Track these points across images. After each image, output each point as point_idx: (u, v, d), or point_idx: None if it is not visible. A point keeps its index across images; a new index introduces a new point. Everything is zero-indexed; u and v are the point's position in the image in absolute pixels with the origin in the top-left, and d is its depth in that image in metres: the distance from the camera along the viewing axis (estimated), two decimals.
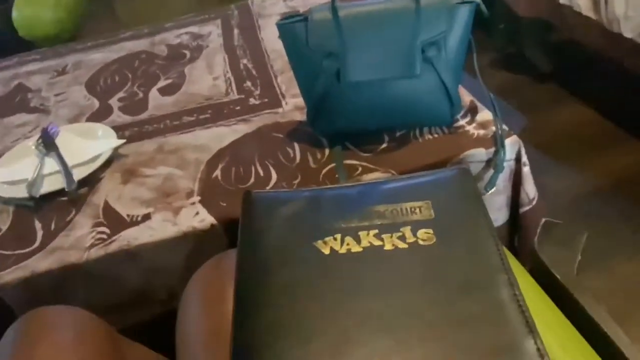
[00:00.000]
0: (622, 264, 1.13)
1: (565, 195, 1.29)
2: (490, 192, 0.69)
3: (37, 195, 0.68)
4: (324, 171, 0.69)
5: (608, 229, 1.19)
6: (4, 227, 0.67)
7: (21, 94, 1.00)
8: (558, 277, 0.47)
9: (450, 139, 0.71)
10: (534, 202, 0.72)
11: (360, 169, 0.68)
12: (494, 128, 0.70)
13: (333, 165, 0.69)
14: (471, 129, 0.72)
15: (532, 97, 1.62)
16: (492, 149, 0.69)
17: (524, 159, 0.70)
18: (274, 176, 0.69)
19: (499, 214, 0.75)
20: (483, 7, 0.67)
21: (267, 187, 0.68)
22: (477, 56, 0.71)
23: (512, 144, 0.69)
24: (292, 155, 0.72)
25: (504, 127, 0.70)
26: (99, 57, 1.09)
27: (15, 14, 1.47)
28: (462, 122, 0.73)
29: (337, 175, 0.67)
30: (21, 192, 0.69)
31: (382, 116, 0.70)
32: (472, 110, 0.74)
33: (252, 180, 0.69)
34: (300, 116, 0.78)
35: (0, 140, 0.87)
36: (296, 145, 0.73)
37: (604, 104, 1.53)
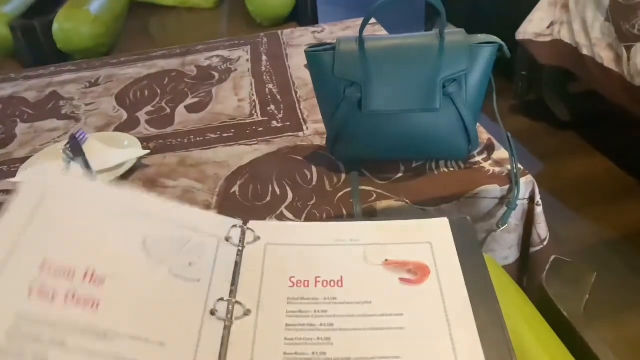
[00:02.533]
0: (630, 317, 1.12)
1: (574, 244, 1.28)
2: (502, 229, 0.70)
3: None
4: (339, 195, 0.70)
5: (617, 281, 1.18)
6: None
7: (54, 101, 1.05)
8: (565, 313, 0.47)
9: (466, 174, 0.72)
10: (545, 243, 0.73)
11: (374, 195, 0.69)
12: (509, 167, 0.72)
13: (348, 190, 0.71)
14: (487, 165, 0.73)
15: (549, 145, 1.64)
16: (507, 186, 0.70)
17: (538, 198, 0.71)
18: (290, 196, 0.71)
19: (509, 253, 0.75)
20: (506, 49, 0.70)
21: (282, 207, 0.69)
22: (497, 101, 0.73)
23: (526, 183, 0.70)
24: (309, 177, 0.74)
25: (519, 166, 0.71)
26: (131, 72, 1.13)
27: (55, 27, 1.53)
28: (478, 158, 0.74)
29: (351, 200, 0.69)
30: None
31: (400, 147, 0.72)
32: (489, 148, 0.76)
33: (269, 198, 0.71)
34: (320, 141, 0.81)
35: (30, 143, 0.90)
36: (314, 168, 0.75)
37: (620, 156, 1.54)
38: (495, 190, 0.70)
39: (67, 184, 0.52)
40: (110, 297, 0.42)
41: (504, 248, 0.75)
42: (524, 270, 0.75)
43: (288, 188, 0.72)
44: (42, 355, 0.37)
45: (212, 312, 0.47)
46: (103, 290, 0.42)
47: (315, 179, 0.73)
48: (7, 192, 0.75)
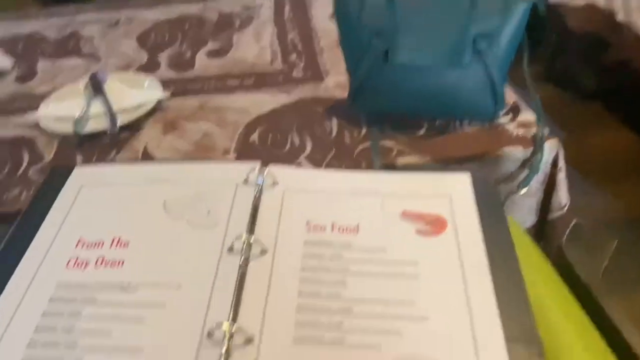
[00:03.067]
0: None
1: (592, 218, 1.26)
2: (522, 192, 0.69)
3: (82, 133, 0.71)
4: (358, 149, 0.69)
5: (633, 258, 1.17)
6: (48, 158, 0.70)
7: (74, 40, 1.03)
8: (582, 278, 0.47)
9: (489, 134, 0.70)
10: (565, 209, 0.72)
11: (395, 151, 0.68)
12: (534, 130, 0.70)
13: (368, 144, 0.70)
14: (511, 127, 0.71)
15: (573, 114, 1.60)
16: (530, 149, 0.68)
17: (561, 164, 0.70)
18: (309, 146, 0.70)
19: (527, 217, 0.74)
20: (541, 5, 0.67)
21: (302, 157, 0.69)
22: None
23: (551, 147, 0.69)
24: (328, 129, 0.73)
25: (546, 128, 0.69)
26: (152, 15, 1.11)
27: None
28: (503, 119, 0.72)
29: (371, 155, 0.68)
30: (67, 128, 0.72)
31: (424, 103, 0.70)
32: (515, 110, 0.74)
33: (287, 147, 0.70)
34: (341, 93, 0.79)
35: (51, 80, 0.90)
36: (334, 120, 0.74)
37: None
38: (518, 152, 0.68)
39: (96, 173, 0.58)
40: (133, 255, 0.48)
41: (522, 212, 0.74)
42: (541, 235, 0.74)
43: (307, 139, 0.71)
44: (76, 312, 0.43)
45: (230, 250, 0.47)
46: (127, 251, 0.48)
47: (335, 132, 0.72)
48: (31, 127, 0.75)
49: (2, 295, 0.45)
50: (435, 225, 0.49)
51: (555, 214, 0.73)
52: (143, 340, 0.41)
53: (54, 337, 0.41)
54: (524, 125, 0.71)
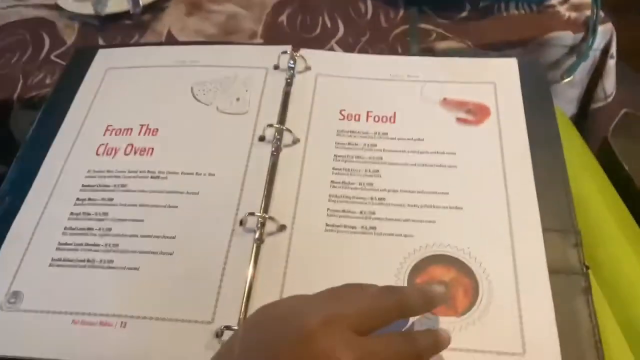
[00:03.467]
0: None
1: (633, 106, 1.20)
2: (566, 80, 0.65)
3: (103, 14, 0.68)
4: (395, 32, 0.65)
5: None
6: (69, 41, 0.67)
7: None
8: (627, 168, 0.45)
9: (537, 18, 0.65)
10: (610, 99, 0.68)
11: (434, 35, 0.64)
12: (587, 12, 0.64)
13: (406, 27, 0.65)
14: (562, 9, 0.65)
15: None
16: (581, 34, 0.63)
17: (613, 50, 0.65)
18: (341, 29, 0.66)
19: (567, 107, 0.71)
20: None
21: (333, 41, 0.65)
22: None
23: (604, 32, 0.63)
24: (363, 10, 0.68)
25: (601, 12, 0.63)
26: None
27: None
28: (554, 1, 0.66)
29: (408, 38, 0.64)
30: (87, 9, 0.68)
31: None
32: None
33: (318, 30, 0.66)
34: None
35: None
36: (369, 2, 0.69)
37: None
38: (567, 37, 0.63)
39: (121, 54, 0.55)
40: (163, 143, 0.47)
41: (563, 102, 0.70)
42: (582, 126, 0.71)
43: (340, 21, 0.67)
44: (109, 199, 0.44)
45: (261, 139, 0.46)
46: (157, 138, 0.47)
47: (369, 13, 0.67)
48: (47, 6, 0.72)
49: (34, 183, 0.45)
50: (477, 113, 0.46)
51: (598, 104, 0.69)
52: (176, 228, 0.41)
53: (88, 224, 0.42)
54: (577, 7, 0.65)
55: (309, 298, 0.30)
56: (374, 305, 0.30)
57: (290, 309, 0.29)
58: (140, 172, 0.45)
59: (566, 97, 0.70)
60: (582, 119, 0.70)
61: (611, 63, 0.65)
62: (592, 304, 0.34)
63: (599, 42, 0.64)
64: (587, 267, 0.35)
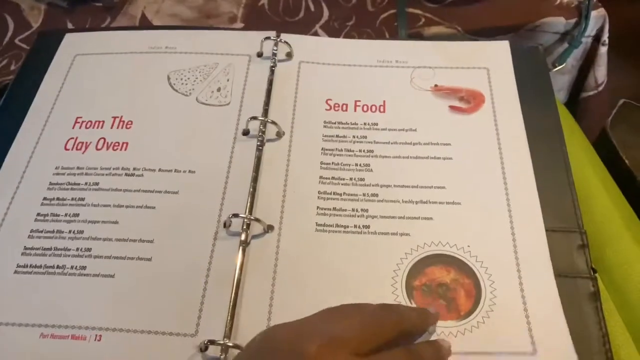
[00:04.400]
0: None
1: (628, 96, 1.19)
2: (558, 68, 0.63)
3: None
4: (382, 17, 0.62)
5: None
6: (35, 25, 0.63)
7: None
8: (626, 161, 0.43)
9: (529, 3, 0.62)
10: (601, 88, 0.66)
11: (422, 20, 0.61)
12: None
13: (393, 11, 0.62)
14: None
15: None
16: (573, 20, 0.61)
17: (605, 37, 0.63)
18: (326, 13, 0.63)
19: (558, 95, 0.69)
20: None
21: (317, 25, 0.62)
22: None
23: (597, 18, 0.61)
24: None
25: None
26: None
27: None
28: None
29: (396, 24, 0.61)
30: None
31: None
32: None
33: (302, 14, 0.63)
34: None
35: None
36: None
37: None
38: (559, 23, 0.61)
39: (91, 39, 0.51)
40: (138, 137, 0.43)
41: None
42: (573, 116, 0.70)
43: (324, 4, 0.64)
44: (79, 198, 0.40)
45: (245, 133, 0.43)
46: (131, 132, 0.44)
47: None
48: None
49: None
50: (471, 101, 0.44)
51: (589, 92, 0.67)
52: (154, 231, 0.38)
53: (57, 226, 0.39)
54: None
55: (306, 322, 0.28)
56: (373, 325, 0.28)
57: (289, 335, 0.27)
58: (114, 169, 0.41)
59: (556, 85, 0.67)
60: (573, 107, 0.69)
61: (603, 50, 0.64)
62: (601, 311, 0.32)
63: (591, 29, 0.62)
64: (595, 271, 0.33)
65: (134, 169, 0.41)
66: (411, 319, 0.30)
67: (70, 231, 0.38)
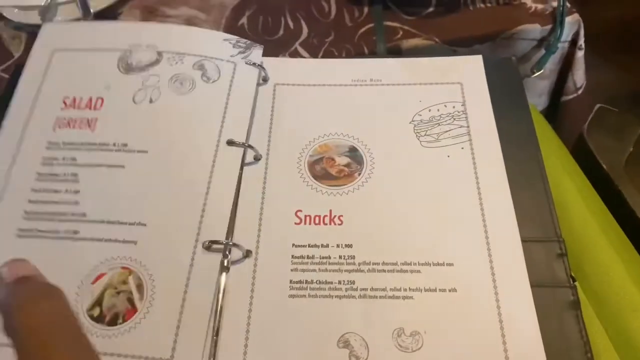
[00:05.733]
0: None
1: (607, 99, 1.21)
2: (536, 74, 0.64)
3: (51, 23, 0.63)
4: (360, 31, 0.63)
5: None
6: (17, 54, 0.63)
7: None
8: (604, 166, 0.44)
9: (504, 11, 0.63)
10: (580, 91, 0.67)
11: (400, 32, 0.62)
12: (554, 4, 0.63)
13: (371, 25, 0.63)
14: (529, 1, 0.64)
15: None
16: (549, 27, 0.62)
17: (581, 42, 0.64)
18: (305, 30, 0.63)
19: (538, 100, 0.70)
20: None
21: (297, 42, 0.62)
22: None
23: (571, 23, 0.62)
24: (326, 10, 0.66)
25: (567, 3, 0.62)
26: None
27: None
28: None
29: (374, 37, 0.62)
30: (34, 18, 0.64)
31: None
32: None
33: (281, 32, 0.63)
34: None
35: None
36: (332, 0, 0.67)
37: None
38: (535, 30, 0.62)
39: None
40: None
41: (533, 95, 0.69)
42: (553, 120, 0.70)
43: (303, 22, 0.64)
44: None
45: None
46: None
47: (333, 12, 0.65)
48: None
49: None
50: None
51: (568, 96, 0.68)
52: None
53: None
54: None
55: None
56: None
57: None
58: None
59: (536, 90, 0.69)
60: (553, 112, 0.70)
61: (580, 54, 0.65)
62: (582, 320, 0.32)
63: (566, 34, 0.63)
64: (574, 280, 0.33)
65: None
66: None
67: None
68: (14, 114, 0.44)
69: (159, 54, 0.47)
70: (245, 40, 0.50)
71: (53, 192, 0.40)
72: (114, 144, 0.42)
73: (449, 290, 0.35)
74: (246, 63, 0.48)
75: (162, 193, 0.40)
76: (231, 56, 0.48)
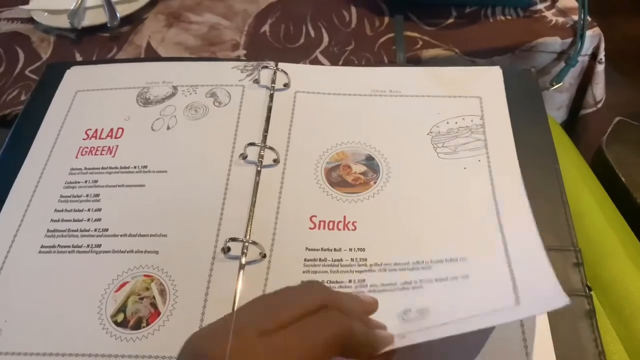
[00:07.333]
0: None
1: (627, 114, 1.20)
2: (555, 87, 0.64)
3: (79, 27, 0.65)
4: (380, 40, 0.63)
5: None
6: (45, 56, 0.65)
7: None
8: (622, 178, 0.44)
9: (525, 23, 0.64)
10: (599, 105, 0.67)
11: (420, 42, 0.62)
12: (575, 17, 0.63)
13: (391, 35, 0.64)
14: (549, 14, 0.64)
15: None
16: (569, 40, 0.62)
17: (602, 55, 0.64)
18: (326, 39, 0.64)
19: (557, 114, 0.70)
20: None
21: (317, 51, 0.63)
22: None
23: (592, 37, 0.63)
24: (347, 19, 0.67)
25: (588, 17, 0.62)
26: None
27: None
28: (540, 6, 0.65)
29: (394, 47, 0.62)
30: (62, 22, 0.66)
31: None
32: None
33: (302, 40, 0.64)
34: None
35: None
36: (353, 9, 0.67)
37: None
38: (555, 43, 0.62)
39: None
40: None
41: (552, 108, 0.69)
42: (571, 134, 0.70)
43: (324, 30, 0.65)
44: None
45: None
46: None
47: (354, 22, 0.66)
48: (22, 20, 0.70)
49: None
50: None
51: (587, 110, 0.68)
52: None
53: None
54: (564, 12, 0.64)
55: (219, 320, 0.27)
56: (280, 298, 0.27)
57: (199, 335, 0.26)
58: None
59: (555, 103, 0.69)
60: (572, 125, 0.70)
61: (600, 68, 0.65)
62: (597, 329, 0.32)
63: (587, 48, 0.63)
64: (590, 289, 0.33)
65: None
66: (338, 294, 0.29)
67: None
68: (37, 148, 0.47)
69: (174, 87, 0.50)
70: (252, 62, 0.51)
71: (75, 212, 0.42)
72: (135, 167, 0.44)
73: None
74: (254, 82, 0.49)
75: (182, 206, 0.41)
76: (239, 80, 0.50)
